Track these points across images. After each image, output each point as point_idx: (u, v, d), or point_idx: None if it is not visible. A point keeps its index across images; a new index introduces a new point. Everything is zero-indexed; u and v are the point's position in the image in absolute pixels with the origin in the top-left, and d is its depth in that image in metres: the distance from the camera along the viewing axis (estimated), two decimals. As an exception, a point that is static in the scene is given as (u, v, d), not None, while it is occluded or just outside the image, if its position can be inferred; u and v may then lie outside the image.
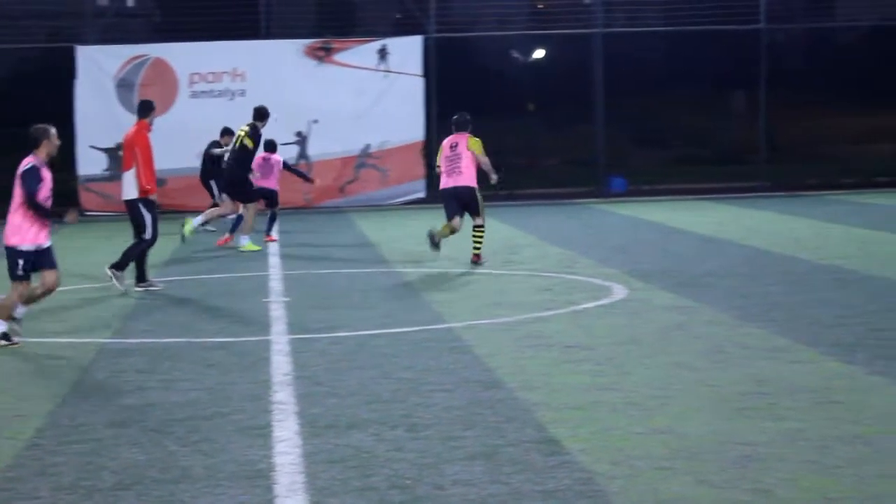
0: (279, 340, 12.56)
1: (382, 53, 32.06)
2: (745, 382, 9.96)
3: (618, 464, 7.74)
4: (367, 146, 31.39)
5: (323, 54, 31.87)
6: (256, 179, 22.73)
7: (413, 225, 26.29)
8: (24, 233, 12.55)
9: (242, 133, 22.07)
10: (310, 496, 7.24)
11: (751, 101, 35.14)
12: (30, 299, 12.91)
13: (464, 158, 18.87)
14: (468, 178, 18.91)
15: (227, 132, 25.29)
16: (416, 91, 31.87)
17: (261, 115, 22.16)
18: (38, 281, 12.84)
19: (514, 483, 7.40)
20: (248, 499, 7.24)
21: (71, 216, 13.60)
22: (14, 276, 12.63)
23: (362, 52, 32.02)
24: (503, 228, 24.90)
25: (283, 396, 9.93)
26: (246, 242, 21.86)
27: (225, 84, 31.51)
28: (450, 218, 18.94)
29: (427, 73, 32.13)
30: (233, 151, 22.27)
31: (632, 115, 36.11)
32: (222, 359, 11.69)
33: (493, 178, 19.31)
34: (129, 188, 16.84)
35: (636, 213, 27.54)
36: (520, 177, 34.54)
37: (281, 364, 11.31)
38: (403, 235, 23.94)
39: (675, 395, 9.62)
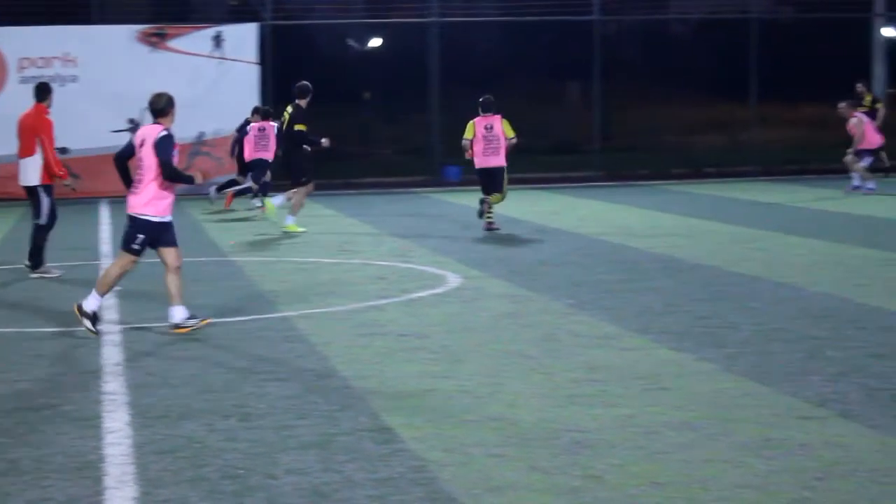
0: (111, 330, 12.38)
1: (217, 40, 31.76)
2: (577, 370, 10.07)
3: (451, 451, 7.78)
4: (202, 134, 31.08)
5: (157, 40, 31.46)
6: (255, 151, 22.99)
7: (247, 213, 26.11)
8: (158, 204, 12.19)
9: (288, 115, 21.74)
10: (140, 487, 7.15)
11: (585, 91, 35.55)
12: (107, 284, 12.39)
13: (501, 139, 21.24)
14: (502, 159, 21.35)
15: (257, 111, 26.00)
16: (252, 78, 31.64)
17: (302, 91, 21.65)
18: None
19: (347, 471, 7.40)
20: (76, 491, 7.13)
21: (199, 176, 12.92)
22: (129, 249, 12.21)
23: (197, 39, 31.69)
24: (338, 217, 24.87)
25: (114, 387, 9.80)
26: (291, 222, 21.65)
27: (56, 69, 30.92)
28: (488, 193, 21.29)
29: (263, 61, 31.91)
30: (286, 134, 21.82)
31: (468, 104, 36.21)
32: (52, 349, 11.50)
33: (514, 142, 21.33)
34: (31, 174, 16.52)
35: (471, 203, 27.63)
36: (355, 165, 34.53)
37: (112, 354, 11.16)
38: (237, 224, 23.76)
39: (507, 382, 9.70)
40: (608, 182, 32.46)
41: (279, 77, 32.05)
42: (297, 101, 21.69)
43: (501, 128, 21.29)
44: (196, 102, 29.97)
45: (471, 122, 21.53)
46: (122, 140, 30.34)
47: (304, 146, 21.63)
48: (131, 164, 12.40)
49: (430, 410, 8.88)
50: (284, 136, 22.03)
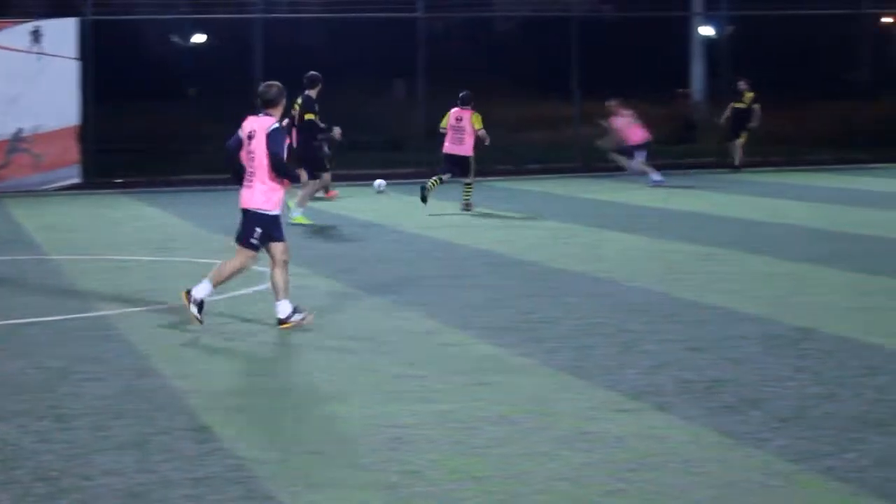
0: (-78, 331, 12.09)
1: (36, 35, 31.11)
2: (399, 366, 10.10)
3: (269, 449, 7.75)
4: (20, 130, 30.38)
5: (-28, 35, 30.74)
6: None
7: (68, 212, 25.68)
8: (272, 197, 11.96)
9: (298, 106, 21.71)
10: (-50, 491, 7.00)
11: (410, 89, 35.63)
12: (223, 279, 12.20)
13: (466, 130, 23.65)
14: (467, 149, 23.80)
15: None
16: (71, 74, 31.08)
17: (312, 81, 21.76)
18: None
19: (164, 471, 7.32)
20: None
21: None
22: (248, 244, 11.99)
23: (14, 34, 30.99)
24: (158, 215, 24.57)
25: (-75, 389, 9.57)
26: (298, 214, 21.59)
27: None
28: (443, 173, 23.94)
29: (83, 57, 31.38)
30: (299, 125, 21.74)
31: (292, 100, 36.12)
32: None
33: (487, 141, 23.93)
34: None
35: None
36: (181, 162, 34.14)
37: (-77, 355, 10.89)
38: (57, 222, 23.35)
39: (330, 379, 9.69)
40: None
41: (100, 73, 31.56)
42: (306, 92, 21.80)
43: (470, 120, 23.73)
44: (13, 99, 29.37)
45: (449, 112, 24.21)
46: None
47: (317, 137, 21.98)
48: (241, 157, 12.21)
49: (249, 409, 8.84)
50: (298, 128, 21.91)
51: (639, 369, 9.80)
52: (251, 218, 12.05)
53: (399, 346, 10.98)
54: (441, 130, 24.22)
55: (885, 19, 40.15)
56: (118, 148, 32.69)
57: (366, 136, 36.51)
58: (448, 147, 23.97)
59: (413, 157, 33.66)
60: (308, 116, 21.69)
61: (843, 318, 11.91)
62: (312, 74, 21.92)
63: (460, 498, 6.79)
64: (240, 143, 12.22)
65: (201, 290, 11.98)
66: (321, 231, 20.82)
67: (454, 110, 24.08)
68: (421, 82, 33.81)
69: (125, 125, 33.85)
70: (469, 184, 23.85)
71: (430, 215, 22.72)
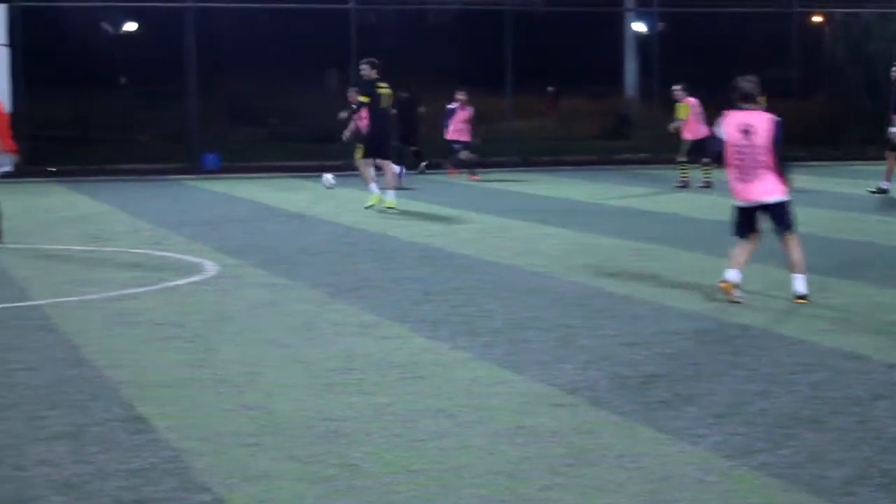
0: None
1: (-34, 21, 30.82)
2: (335, 358, 10.08)
3: (206, 440, 7.71)
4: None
5: None
6: None
7: (-2, 199, 25.42)
8: (780, 184, 12.39)
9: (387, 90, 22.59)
10: None
11: (343, 80, 35.50)
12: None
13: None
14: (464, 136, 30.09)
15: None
16: (1, 61, 30.78)
17: (372, 65, 22.46)
18: None
19: (99, 462, 7.28)
20: None
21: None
22: (793, 226, 12.55)
23: (-57, 19, 30.70)
24: (92, 204, 24.40)
25: None
26: (383, 196, 22.41)
27: None
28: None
29: (12, 43, 31.07)
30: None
31: (227, 91, 35.99)
32: None
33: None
34: None
35: (229, 190, 27.49)
36: (111, 151, 33.91)
37: None
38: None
39: (264, 371, 9.66)
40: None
41: (30, 60, 31.28)
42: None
43: (468, 112, 29.92)
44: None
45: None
46: None
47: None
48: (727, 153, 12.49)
49: (184, 399, 8.79)
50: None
51: (574, 364, 9.83)
52: (782, 207, 12.51)
53: (334, 338, 10.96)
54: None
55: (815, 18, 40.50)
56: (49, 136, 32.45)
57: (296, 127, 36.45)
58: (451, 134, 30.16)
59: (342, 149, 33.58)
60: (362, 98, 22.64)
61: (778, 315, 12.01)
62: (372, 60, 22.74)
63: (397, 491, 6.79)
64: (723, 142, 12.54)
65: (733, 276, 12.52)
66: (248, 221, 20.75)
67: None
68: (354, 73, 33.72)
69: (56, 113, 33.60)
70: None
71: (359, 208, 22.67)
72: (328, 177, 26.38)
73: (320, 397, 8.83)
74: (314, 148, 34.58)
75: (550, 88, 37.09)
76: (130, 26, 38.37)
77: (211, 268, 15.26)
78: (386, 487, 6.84)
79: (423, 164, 31.87)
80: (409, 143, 32.20)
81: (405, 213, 21.87)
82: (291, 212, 22.53)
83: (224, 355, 10.26)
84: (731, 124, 12.53)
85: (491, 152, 34.24)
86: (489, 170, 31.62)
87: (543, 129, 37.19)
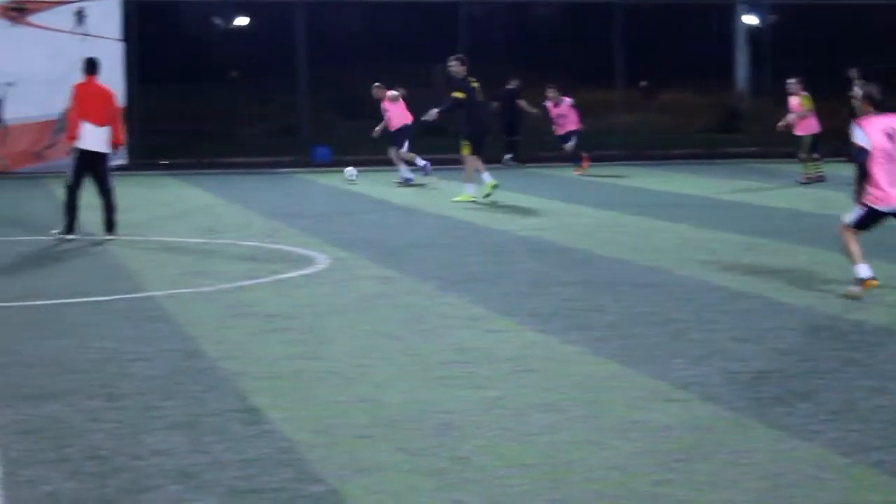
0: (-29, 309, 12.18)
1: (80, 16, 31.28)
2: (446, 351, 10.11)
3: (318, 432, 7.77)
4: (65, 111, 30.56)
5: (16, 15, 30.89)
6: None
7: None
8: None
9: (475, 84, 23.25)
10: (2, 468, 7.05)
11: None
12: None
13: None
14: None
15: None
16: (116, 55, 31.21)
17: (462, 61, 23.13)
18: None
19: (215, 452, 7.36)
20: (-63, 472, 7.02)
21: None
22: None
23: (59, 14, 31.18)
24: (204, 196, 24.67)
25: (-25, 367, 9.64)
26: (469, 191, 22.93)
27: (-86, 43, 30.28)
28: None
29: (127, 38, 31.50)
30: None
31: (336, 85, 36.18)
32: (-90, 328, 11.27)
33: None
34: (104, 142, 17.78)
35: (339, 184, 27.63)
36: (224, 145, 34.26)
37: (-28, 333, 10.97)
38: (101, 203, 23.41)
39: (376, 364, 9.71)
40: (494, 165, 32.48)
41: (143, 54, 31.68)
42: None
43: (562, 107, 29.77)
44: (59, 79, 29.36)
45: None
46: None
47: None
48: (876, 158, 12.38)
49: (297, 391, 8.86)
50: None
51: (686, 359, 9.77)
52: None
53: (444, 331, 10.99)
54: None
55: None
56: (163, 129, 32.86)
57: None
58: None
59: (450, 143, 33.62)
60: (455, 94, 23.12)
61: (893, 311, 11.84)
62: (461, 56, 23.54)
63: (509, 484, 6.79)
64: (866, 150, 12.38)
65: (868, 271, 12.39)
66: (359, 214, 20.85)
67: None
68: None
69: (169, 107, 33.99)
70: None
71: (469, 201, 22.68)
72: (350, 170, 26.70)
73: (431, 390, 8.86)
74: (424, 141, 34.65)
75: (644, 83, 36.81)
76: (242, 20, 38.70)
77: (322, 260, 15.37)
78: (498, 481, 6.85)
79: (508, 156, 31.83)
80: (511, 134, 32.29)
81: (515, 207, 21.87)
82: (401, 205, 22.61)
83: (336, 347, 10.33)
84: (876, 129, 12.36)
85: (600, 146, 34.13)
86: (598, 163, 31.49)
87: (653, 122, 36.94)
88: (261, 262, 15.47)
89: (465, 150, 23.42)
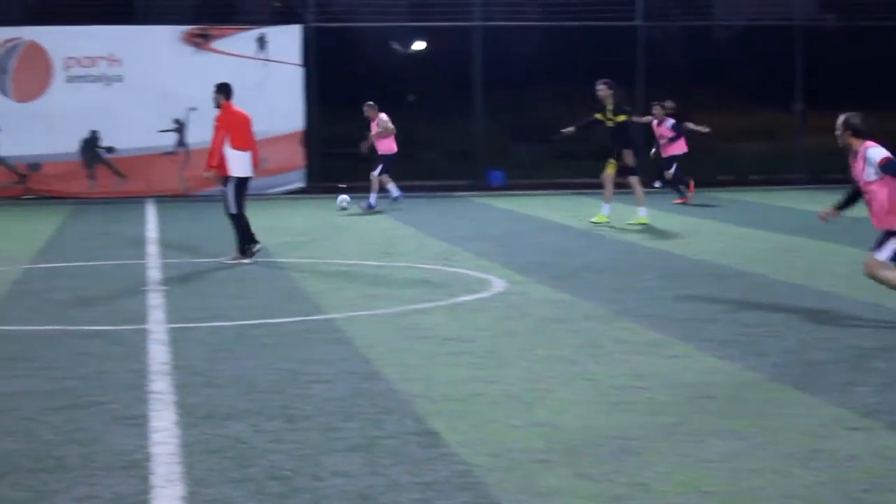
0: (157, 329, 12.44)
1: (261, 42, 31.87)
2: (623, 376, 10.05)
3: (496, 456, 7.77)
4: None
5: (201, 41, 31.59)
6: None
7: (291, 215, 26.23)
8: None
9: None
10: (187, 486, 7.19)
11: (629, 97, 35.42)
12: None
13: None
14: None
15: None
16: (296, 80, 31.74)
17: (609, 86, 23.60)
18: None
19: (393, 475, 7.40)
20: (124, 489, 7.17)
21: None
22: None
23: (241, 40, 31.81)
24: (381, 220, 24.90)
25: (161, 386, 9.84)
26: (642, 214, 23.25)
27: (101, 69, 31.12)
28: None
29: (306, 63, 31.99)
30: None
31: (511, 108, 36.26)
32: (98, 347, 11.55)
33: None
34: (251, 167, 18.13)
35: (514, 207, 27.69)
36: (399, 169, 34.53)
37: (158, 353, 11.20)
38: (282, 225, 23.82)
39: (553, 388, 9.69)
40: (646, 189, 32.31)
41: (323, 79, 32.13)
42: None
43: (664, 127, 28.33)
44: (239, 104, 29.87)
45: None
46: (170, 141, 30.74)
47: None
48: None
49: (475, 415, 8.88)
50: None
51: (870, 386, 9.58)
52: None
53: (621, 356, 10.93)
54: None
55: None
56: (340, 153, 33.27)
57: (579, 144, 36.44)
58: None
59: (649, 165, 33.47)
60: (621, 118, 23.46)
61: None
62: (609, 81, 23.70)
63: (689, 512, 6.73)
64: None
65: None
66: (534, 238, 20.85)
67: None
68: (639, 91, 33.63)
69: (347, 130, 34.39)
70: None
71: (646, 226, 22.54)
72: (344, 197, 26.58)
73: (609, 415, 8.81)
74: (598, 165, 34.57)
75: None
76: (419, 45, 39.02)
77: (498, 284, 15.40)
78: (677, 508, 6.79)
79: (658, 184, 31.14)
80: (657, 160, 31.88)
81: (688, 230, 21.68)
82: (576, 229, 22.56)
83: (512, 371, 10.34)
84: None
85: (776, 169, 33.70)
86: (775, 187, 31.04)
87: (835, 146, 36.33)
88: (437, 285, 15.56)
89: (610, 169, 23.52)
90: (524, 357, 10.93)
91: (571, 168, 34.81)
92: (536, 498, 6.97)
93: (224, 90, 18.27)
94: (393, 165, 27.64)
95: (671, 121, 28.72)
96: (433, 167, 35.29)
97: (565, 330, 12.27)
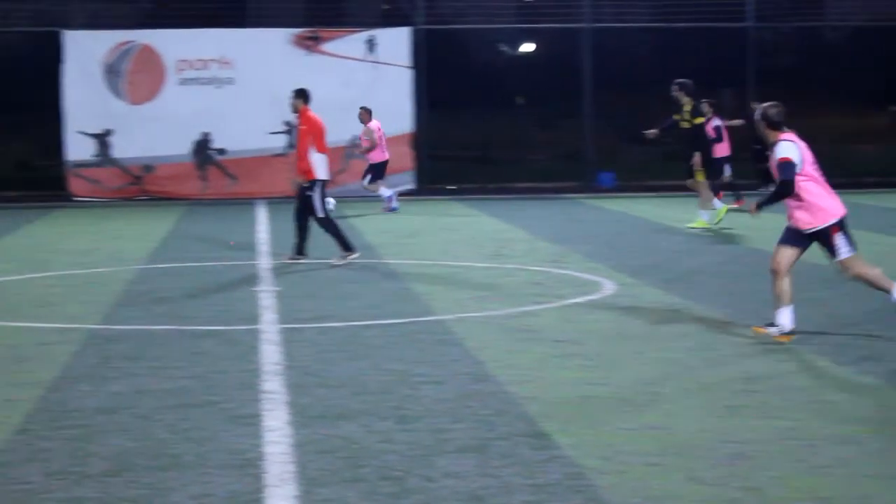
0: (269, 330, 12.54)
1: (371, 44, 32.05)
2: (736, 380, 9.97)
3: (608, 459, 7.74)
4: (355, 136, 31.31)
5: (311, 44, 31.84)
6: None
7: (397, 217, 26.32)
8: None
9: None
10: (300, 486, 7.24)
11: (738, 99, 35.15)
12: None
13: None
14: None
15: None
16: (405, 82, 31.87)
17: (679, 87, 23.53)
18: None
19: (505, 476, 7.40)
20: (238, 487, 7.24)
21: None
22: None
23: (350, 43, 32.01)
24: (492, 222, 24.91)
25: (273, 386, 9.92)
26: (704, 218, 23.24)
27: (213, 72, 31.48)
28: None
29: (416, 65, 32.10)
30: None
31: (620, 110, 36.14)
32: (212, 347, 11.67)
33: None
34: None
35: (625, 209, 27.58)
36: (509, 171, 34.56)
37: (271, 353, 11.29)
38: (391, 227, 23.92)
39: (665, 391, 9.63)
40: (760, 190, 32.02)
41: (432, 81, 32.22)
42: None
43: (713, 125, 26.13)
44: (350, 105, 30.11)
45: None
46: (281, 143, 31.02)
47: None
48: None
49: (586, 417, 8.85)
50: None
51: None
52: None
53: (734, 359, 10.84)
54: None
55: None
56: (449, 155, 33.37)
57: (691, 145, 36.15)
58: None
59: (743, 169, 33.21)
60: (696, 120, 23.38)
61: None
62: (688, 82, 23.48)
63: (805, 518, 6.66)
64: None
65: None
66: (644, 240, 20.74)
67: None
68: (750, 92, 33.34)
69: (456, 133, 34.50)
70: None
71: (757, 229, 22.31)
72: (330, 200, 26.45)
73: (722, 419, 8.74)
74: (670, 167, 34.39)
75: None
76: (528, 47, 39.01)
77: (609, 286, 15.34)
78: (792, 513, 6.72)
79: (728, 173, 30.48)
80: (760, 161, 31.21)
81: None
82: (686, 231, 22.41)
83: (624, 374, 10.29)
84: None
85: (892, 172, 33.25)
86: (891, 189, 30.62)
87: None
88: (547, 287, 15.53)
89: (700, 177, 23.39)
90: (635, 360, 10.88)
91: (680, 170, 34.55)
92: (649, 501, 6.94)
93: (302, 95, 18.51)
94: (382, 173, 27.75)
95: (717, 121, 27.39)
96: (543, 169, 35.26)
97: (677, 333, 12.19)
